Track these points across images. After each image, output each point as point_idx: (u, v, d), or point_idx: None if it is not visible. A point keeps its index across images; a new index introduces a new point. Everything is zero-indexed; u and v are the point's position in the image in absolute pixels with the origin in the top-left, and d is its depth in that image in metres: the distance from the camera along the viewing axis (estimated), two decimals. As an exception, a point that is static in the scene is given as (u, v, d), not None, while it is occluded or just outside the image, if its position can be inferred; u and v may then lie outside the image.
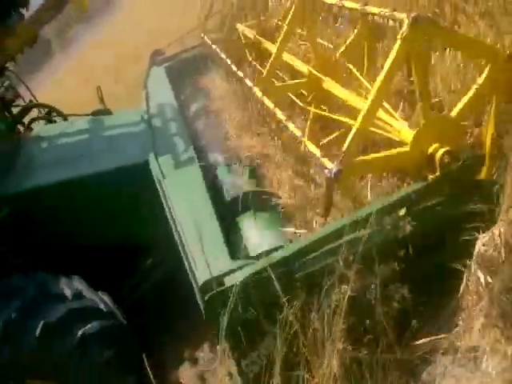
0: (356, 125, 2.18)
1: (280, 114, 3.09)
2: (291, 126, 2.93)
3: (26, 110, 4.54)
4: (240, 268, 1.95)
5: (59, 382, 2.62)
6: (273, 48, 3.60)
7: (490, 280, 1.81)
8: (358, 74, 3.17)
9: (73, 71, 13.40)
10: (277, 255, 1.89)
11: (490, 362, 1.77)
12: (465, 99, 2.25)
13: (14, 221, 3.09)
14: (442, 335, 1.93)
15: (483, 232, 1.90)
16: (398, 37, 2.08)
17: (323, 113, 3.32)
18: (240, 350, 1.80)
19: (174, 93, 4.57)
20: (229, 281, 1.84)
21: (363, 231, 1.86)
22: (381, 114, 2.44)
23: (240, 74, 3.90)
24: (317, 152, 2.53)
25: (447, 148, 2.10)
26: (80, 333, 2.60)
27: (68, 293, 2.77)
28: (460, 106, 2.25)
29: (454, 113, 2.26)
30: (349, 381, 1.81)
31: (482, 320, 1.83)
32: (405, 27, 2.04)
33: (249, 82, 3.59)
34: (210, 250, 2.31)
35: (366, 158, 2.30)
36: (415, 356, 1.92)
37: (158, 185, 3.08)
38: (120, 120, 4.29)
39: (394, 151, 2.27)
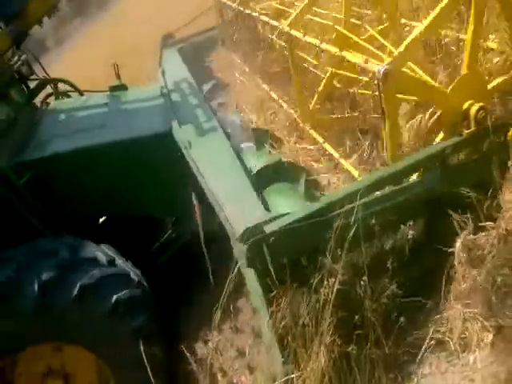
0: (418, 30, 2.09)
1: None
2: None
3: (42, 84, 4.47)
4: (277, 218, 1.96)
5: (87, 347, 2.66)
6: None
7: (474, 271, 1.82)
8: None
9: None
10: (314, 206, 1.96)
11: (477, 356, 1.79)
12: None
13: (36, 187, 3.08)
14: (430, 330, 1.94)
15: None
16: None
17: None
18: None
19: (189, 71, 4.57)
20: (269, 228, 1.87)
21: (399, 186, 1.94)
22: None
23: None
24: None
25: (482, 104, 2.08)
26: (114, 299, 2.61)
27: (102, 258, 2.80)
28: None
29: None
30: (337, 375, 1.82)
31: (466, 311, 1.84)
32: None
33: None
34: (245, 204, 2.34)
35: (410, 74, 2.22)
36: (403, 351, 1.93)
37: (185, 151, 3.06)
38: (139, 94, 4.29)
39: (434, 87, 2.23)
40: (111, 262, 2.82)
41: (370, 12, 3.62)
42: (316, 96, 3.30)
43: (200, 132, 3.31)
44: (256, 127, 3.42)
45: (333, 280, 1.81)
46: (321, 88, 3.29)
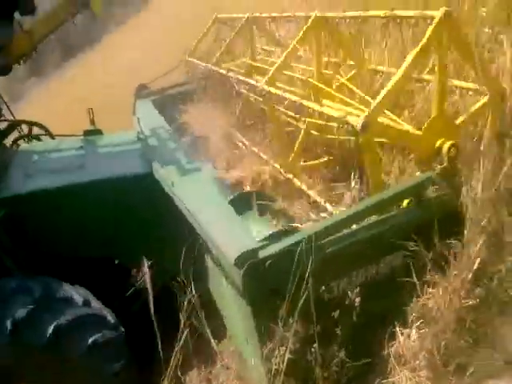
0: (387, 87, 2.20)
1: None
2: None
3: (12, 126, 4.54)
4: (271, 243, 1.89)
5: None
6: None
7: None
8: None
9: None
10: (308, 230, 1.92)
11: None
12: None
13: (9, 226, 2.97)
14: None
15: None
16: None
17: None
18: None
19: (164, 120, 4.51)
20: (262, 254, 1.81)
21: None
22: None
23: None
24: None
25: (453, 141, 2.19)
26: (91, 340, 2.54)
27: (78, 299, 2.72)
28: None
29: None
30: None
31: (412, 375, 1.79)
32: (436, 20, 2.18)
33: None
34: (233, 232, 2.24)
35: (386, 123, 2.29)
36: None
37: (168, 190, 3.00)
38: (115, 139, 4.24)
39: (408, 132, 2.33)
40: (86, 303, 2.74)
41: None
42: (297, 146, 3.33)
43: (183, 172, 3.22)
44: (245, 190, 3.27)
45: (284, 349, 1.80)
46: (300, 139, 3.35)
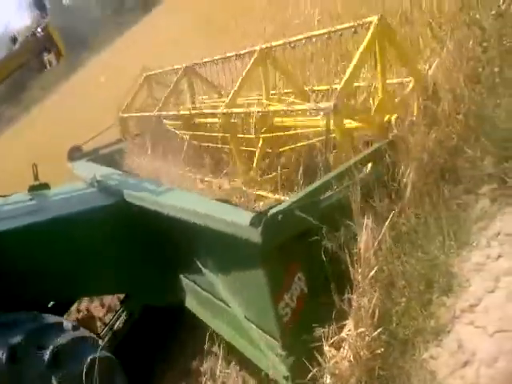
0: (348, 72, 2.87)
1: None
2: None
3: None
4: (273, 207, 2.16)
5: None
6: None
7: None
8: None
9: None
10: (302, 193, 2.30)
11: None
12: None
13: None
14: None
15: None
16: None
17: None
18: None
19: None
20: (272, 211, 2.09)
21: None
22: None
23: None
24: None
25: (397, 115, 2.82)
26: (89, 359, 2.58)
27: (67, 324, 2.78)
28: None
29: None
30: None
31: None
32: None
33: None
34: (236, 211, 2.47)
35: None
36: None
37: (150, 206, 3.03)
38: (67, 189, 4.10)
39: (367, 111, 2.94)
40: (75, 328, 2.78)
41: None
42: (256, 161, 3.79)
43: (159, 191, 3.25)
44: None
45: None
46: (258, 153, 3.83)
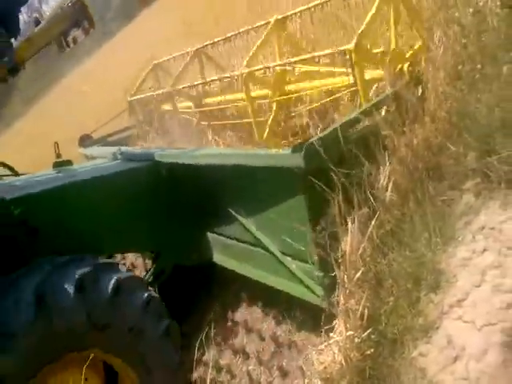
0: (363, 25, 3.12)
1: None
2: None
3: None
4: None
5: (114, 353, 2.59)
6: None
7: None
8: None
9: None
10: (334, 125, 2.52)
11: None
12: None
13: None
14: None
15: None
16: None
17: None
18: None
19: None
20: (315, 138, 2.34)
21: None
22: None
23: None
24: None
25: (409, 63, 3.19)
26: (145, 296, 2.66)
27: (122, 267, 2.88)
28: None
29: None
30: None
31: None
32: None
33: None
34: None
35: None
36: None
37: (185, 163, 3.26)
38: (92, 163, 4.26)
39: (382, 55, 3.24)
40: (128, 270, 2.95)
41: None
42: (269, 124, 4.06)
43: (188, 149, 3.60)
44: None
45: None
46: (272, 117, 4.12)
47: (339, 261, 2.19)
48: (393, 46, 3.27)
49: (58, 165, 4.22)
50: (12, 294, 2.31)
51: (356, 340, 2.07)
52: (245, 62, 4.08)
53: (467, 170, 2.51)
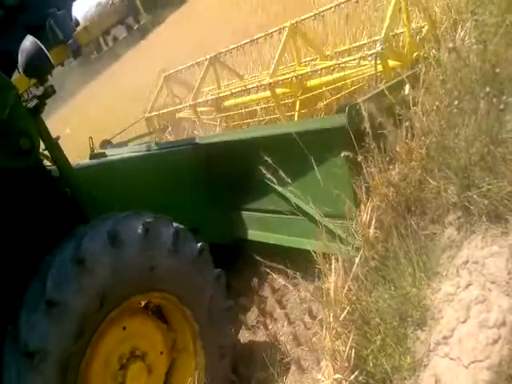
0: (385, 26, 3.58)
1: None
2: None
3: None
4: None
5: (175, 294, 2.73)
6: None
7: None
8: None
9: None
10: (371, 94, 2.96)
11: None
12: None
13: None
14: None
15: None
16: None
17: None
18: None
19: None
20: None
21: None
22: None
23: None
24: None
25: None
26: (198, 246, 2.82)
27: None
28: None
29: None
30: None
31: None
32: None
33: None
34: None
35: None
36: None
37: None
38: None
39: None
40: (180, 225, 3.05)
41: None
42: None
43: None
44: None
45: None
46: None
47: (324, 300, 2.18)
48: (407, 37, 3.71)
49: (95, 157, 4.43)
50: (88, 234, 2.45)
51: (344, 383, 2.04)
52: (270, 71, 4.53)
53: (448, 204, 2.55)
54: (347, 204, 2.60)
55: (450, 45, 3.55)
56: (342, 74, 4.05)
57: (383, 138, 2.71)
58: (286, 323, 3.06)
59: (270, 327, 3.17)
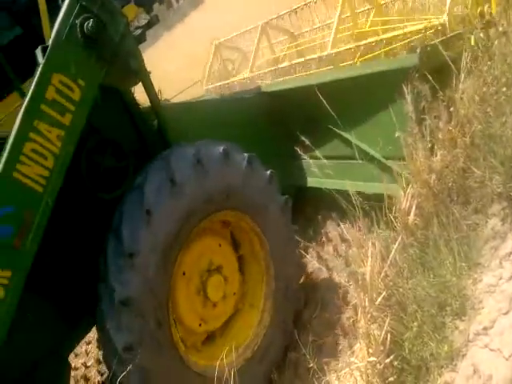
0: None
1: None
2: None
3: None
4: None
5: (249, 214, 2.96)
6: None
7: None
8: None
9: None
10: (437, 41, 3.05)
11: None
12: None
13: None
14: None
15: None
16: None
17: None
18: None
19: None
20: None
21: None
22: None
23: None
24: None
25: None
26: (269, 172, 3.04)
27: None
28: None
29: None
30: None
31: None
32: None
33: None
34: None
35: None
36: None
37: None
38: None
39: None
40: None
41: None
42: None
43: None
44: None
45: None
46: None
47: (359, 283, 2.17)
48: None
49: None
50: (177, 157, 2.71)
51: (378, 366, 2.03)
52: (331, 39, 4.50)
53: (493, 194, 2.47)
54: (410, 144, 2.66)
55: (500, 29, 3.44)
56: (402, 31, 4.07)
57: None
58: (319, 306, 3.06)
59: (302, 310, 3.17)
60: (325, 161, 3.44)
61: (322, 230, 3.82)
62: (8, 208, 2.13)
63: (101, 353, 3.89)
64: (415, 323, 2.13)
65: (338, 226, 3.59)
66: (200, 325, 2.87)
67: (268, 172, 3.04)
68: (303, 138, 3.12)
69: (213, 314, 2.91)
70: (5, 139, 2.21)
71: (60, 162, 2.28)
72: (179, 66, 8.46)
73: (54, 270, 2.60)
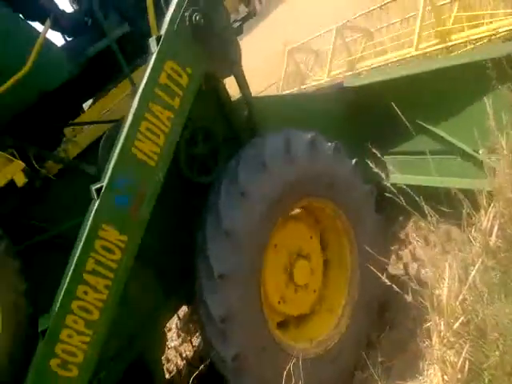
0: None
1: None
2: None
3: None
4: None
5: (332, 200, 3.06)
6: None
7: None
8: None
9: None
10: None
11: None
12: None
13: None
14: None
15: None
16: None
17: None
18: None
19: None
20: None
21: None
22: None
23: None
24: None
25: None
26: (354, 161, 3.14)
27: None
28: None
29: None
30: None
31: None
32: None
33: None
34: None
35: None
36: None
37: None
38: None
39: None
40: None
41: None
42: None
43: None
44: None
45: None
46: None
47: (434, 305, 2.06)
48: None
49: None
50: (268, 143, 2.88)
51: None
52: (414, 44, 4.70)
53: None
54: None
55: None
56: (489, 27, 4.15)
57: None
58: (388, 327, 2.96)
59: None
60: (411, 157, 3.56)
61: (392, 248, 3.70)
62: (126, 180, 2.36)
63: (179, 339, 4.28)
64: (496, 352, 1.99)
65: (410, 243, 3.46)
66: (279, 302, 2.96)
67: (353, 160, 3.12)
68: (381, 135, 3.24)
69: (293, 297, 3.00)
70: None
71: (169, 141, 2.50)
72: (256, 66, 8.75)
73: (155, 242, 2.81)
